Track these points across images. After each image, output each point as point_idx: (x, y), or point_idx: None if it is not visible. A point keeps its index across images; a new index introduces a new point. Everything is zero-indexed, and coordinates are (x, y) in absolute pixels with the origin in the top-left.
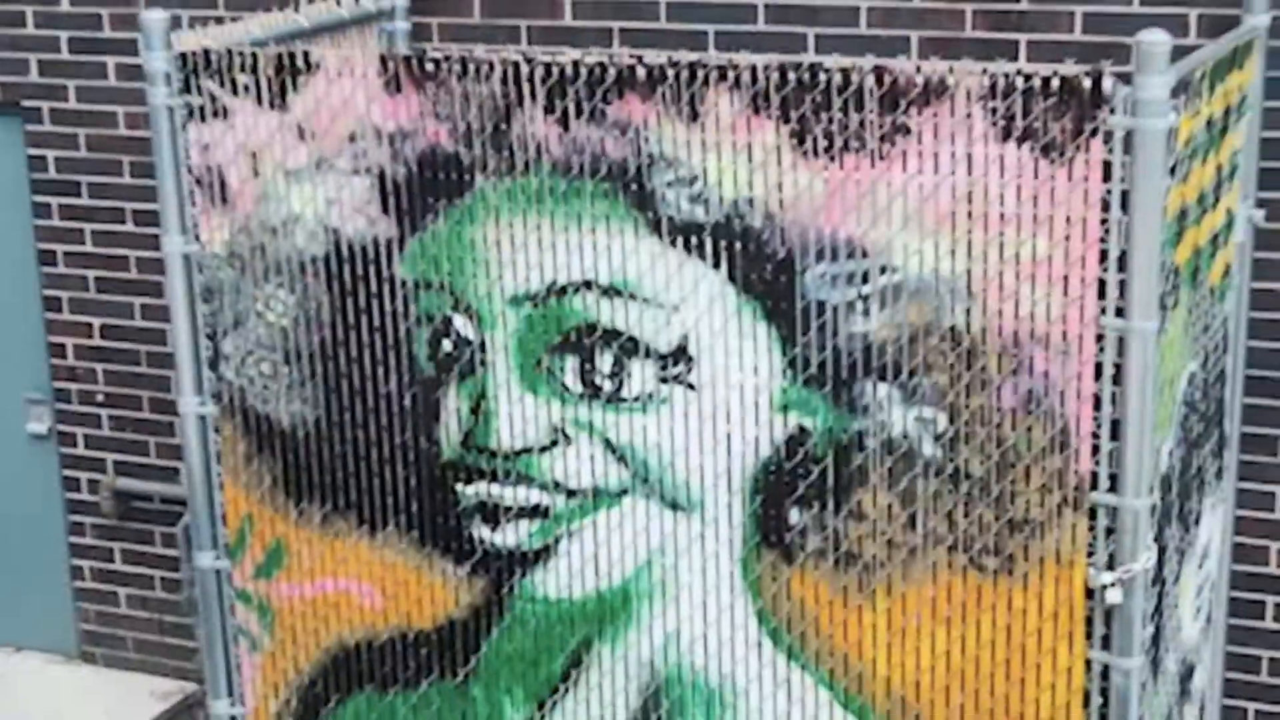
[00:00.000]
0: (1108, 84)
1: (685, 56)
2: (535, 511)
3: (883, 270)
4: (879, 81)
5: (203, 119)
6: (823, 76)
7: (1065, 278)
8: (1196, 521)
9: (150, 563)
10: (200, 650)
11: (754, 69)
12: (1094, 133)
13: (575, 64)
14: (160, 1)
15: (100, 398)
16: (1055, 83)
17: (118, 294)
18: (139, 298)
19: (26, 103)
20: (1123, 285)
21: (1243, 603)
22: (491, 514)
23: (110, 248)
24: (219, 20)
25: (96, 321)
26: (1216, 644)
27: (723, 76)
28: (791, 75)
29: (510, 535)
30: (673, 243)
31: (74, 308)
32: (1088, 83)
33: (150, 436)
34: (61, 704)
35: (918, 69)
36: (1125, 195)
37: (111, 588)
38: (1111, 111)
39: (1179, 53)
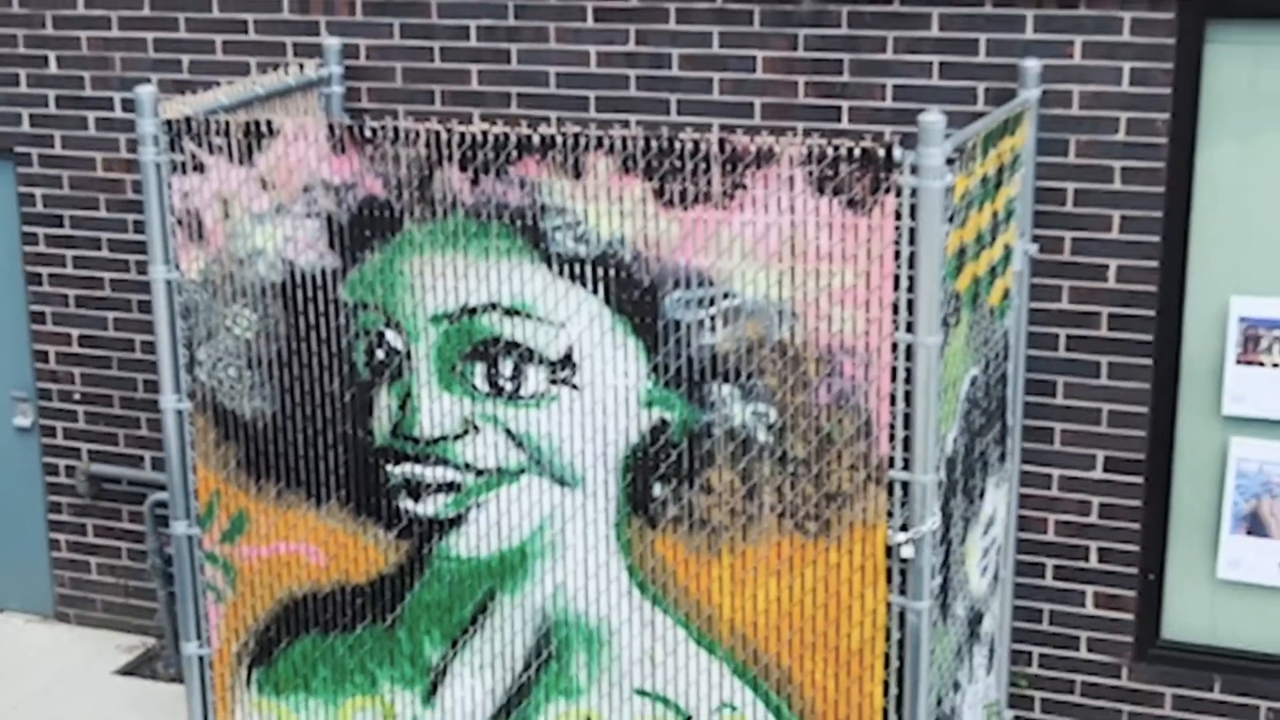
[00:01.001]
0: (896, 153)
1: (571, 128)
2: (450, 487)
3: (725, 295)
4: (721, 149)
5: (184, 172)
6: (678, 144)
7: (867, 302)
8: (981, 495)
9: (117, 536)
10: (159, 610)
11: (624, 139)
12: (887, 190)
13: (484, 133)
14: (134, 65)
15: (77, 396)
16: (857, 152)
17: (93, 309)
18: (111, 312)
19: (19, 149)
20: (911, 307)
21: (1026, 564)
22: (415, 489)
23: (87, 270)
24: (183, 83)
25: (75, 332)
26: (1005, 598)
27: (600, 144)
28: (654, 143)
29: (429, 506)
30: (560, 273)
31: (56, 320)
32: (881, 152)
33: (119, 429)
34: (40, 656)
35: (751, 140)
36: (913, 237)
37: (84, 558)
38: (899, 174)
39: (968, 118)
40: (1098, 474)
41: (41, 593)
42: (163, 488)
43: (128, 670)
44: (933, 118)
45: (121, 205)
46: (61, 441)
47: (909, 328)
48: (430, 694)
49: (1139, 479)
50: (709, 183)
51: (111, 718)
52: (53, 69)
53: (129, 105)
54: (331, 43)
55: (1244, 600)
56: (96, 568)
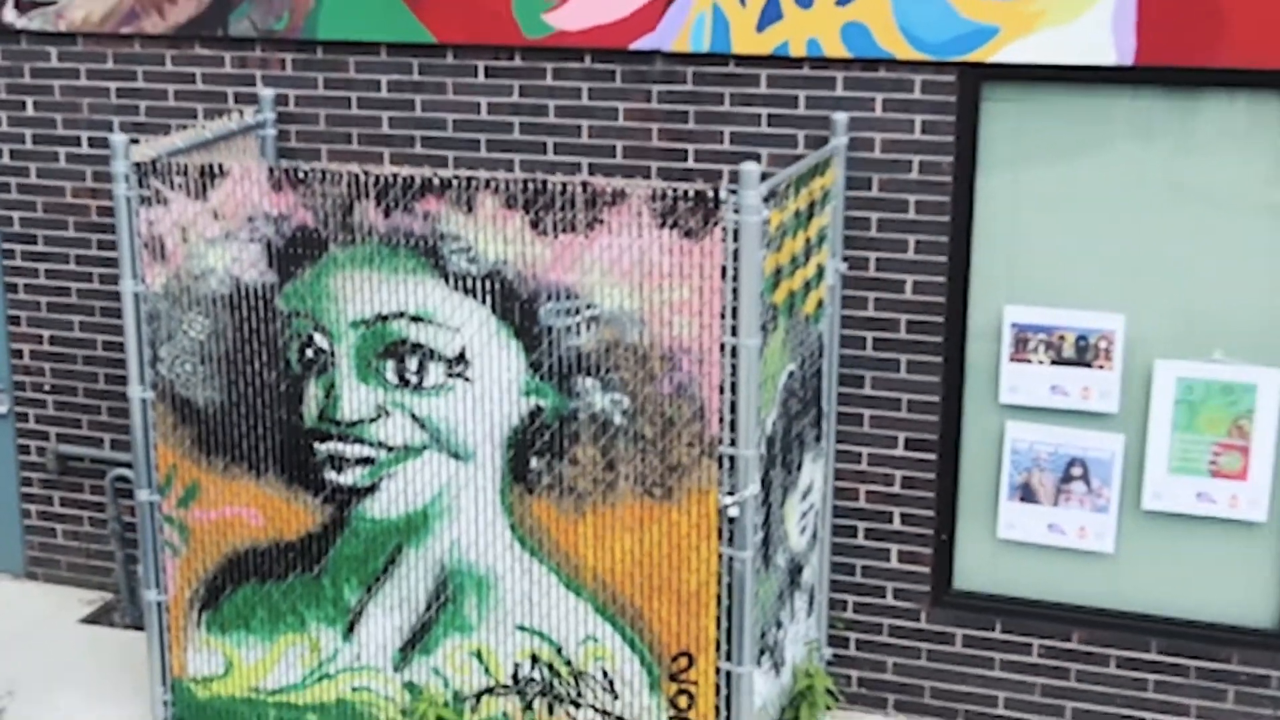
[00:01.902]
0: (722, 195)
1: (464, 172)
2: (366, 461)
3: (588, 306)
4: (583, 190)
5: (150, 204)
6: (549, 187)
7: (700, 312)
8: (799, 468)
9: (80, 506)
10: (116, 569)
11: (507, 182)
12: (715, 224)
13: (394, 175)
14: (99, 109)
15: (47, 387)
16: (691, 194)
17: (61, 314)
18: (77, 316)
19: (0, 179)
20: (736, 316)
21: (841, 526)
22: (337, 463)
23: (57, 281)
24: (141, 125)
25: (45, 333)
26: (824, 554)
27: (487, 185)
28: (530, 185)
29: (349, 477)
30: (455, 287)
31: (29, 323)
32: (710, 194)
33: (83, 415)
34: (14, 608)
35: (608, 182)
36: (737, 260)
37: (51, 525)
38: (725, 211)
39: (790, 159)
40: (899, 451)
41: (14, 555)
42: (120, 464)
43: (90, 619)
44: (750, 167)
45: (86, 227)
46: (33, 425)
47: (734, 332)
48: (349, 631)
49: (933, 456)
50: (574, 217)
51: (77, 657)
52: (29, 111)
53: (94, 143)
54: (266, 93)
55: (1019, 556)
56: (62, 533)
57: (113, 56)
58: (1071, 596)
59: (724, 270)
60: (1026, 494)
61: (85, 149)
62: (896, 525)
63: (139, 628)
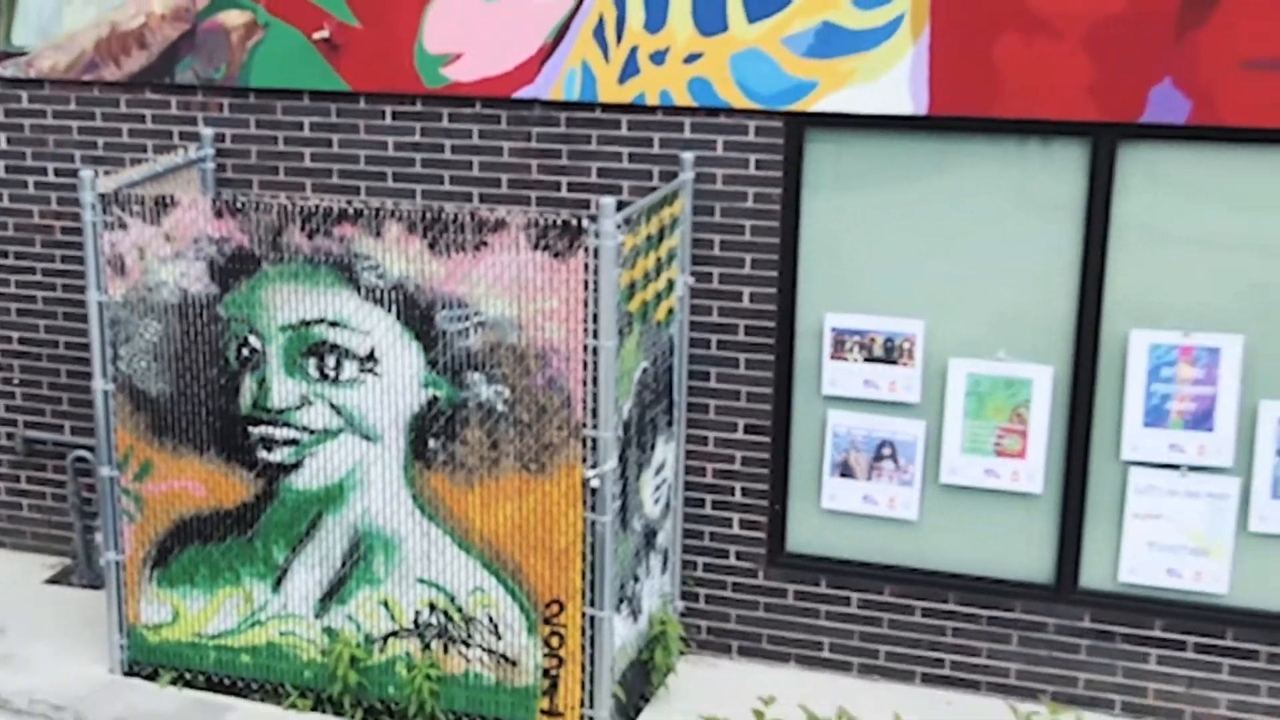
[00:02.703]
0: (585, 225)
1: (373, 201)
2: (292, 442)
3: (476, 314)
4: (471, 218)
5: (113, 229)
6: (443, 216)
7: (567, 319)
8: (652, 448)
9: (43, 484)
10: (74, 537)
11: (409, 211)
12: (579, 247)
13: (317, 206)
14: (63, 144)
15: (16, 381)
16: (559, 222)
17: (29, 318)
18: (42, 320)
19: None
20: (597, 322)
21: (691, 498)
22: (268, 444)
23: (26, 290)
24: (99, 158)
25: (15, 334)
26: (676, 521)
27: (393, 214)
28: (427, 214)
29: (278, 455)
30: (366, 298)
31: (1, 326)
32: (575, 223)
33: (47, 405)
34: None
35: (491, 212)
36: (597, 276)
37: (17, 500)
38: (586, 237)
39: (647, 190)
40: (739, 435)
41: None
42: (79, 447)
43: (52, 580)
44: (607, 200)
45: (51, 244)
46: (3, 414)
47: (595, 335)
48: (277, 585)
49: (767, 439)
50: (464, 240)
51: (43, 611)
52: (2, 145)
53: (59, 172)
54: (206, 132)
55: (839, 523)
56: (27, 507)
57: (75, 99)
58: (883, 557)
59: (586, 284)
60: (845, 471)
61: (51, 178)
62: (738, 497)
63: (95, 587)
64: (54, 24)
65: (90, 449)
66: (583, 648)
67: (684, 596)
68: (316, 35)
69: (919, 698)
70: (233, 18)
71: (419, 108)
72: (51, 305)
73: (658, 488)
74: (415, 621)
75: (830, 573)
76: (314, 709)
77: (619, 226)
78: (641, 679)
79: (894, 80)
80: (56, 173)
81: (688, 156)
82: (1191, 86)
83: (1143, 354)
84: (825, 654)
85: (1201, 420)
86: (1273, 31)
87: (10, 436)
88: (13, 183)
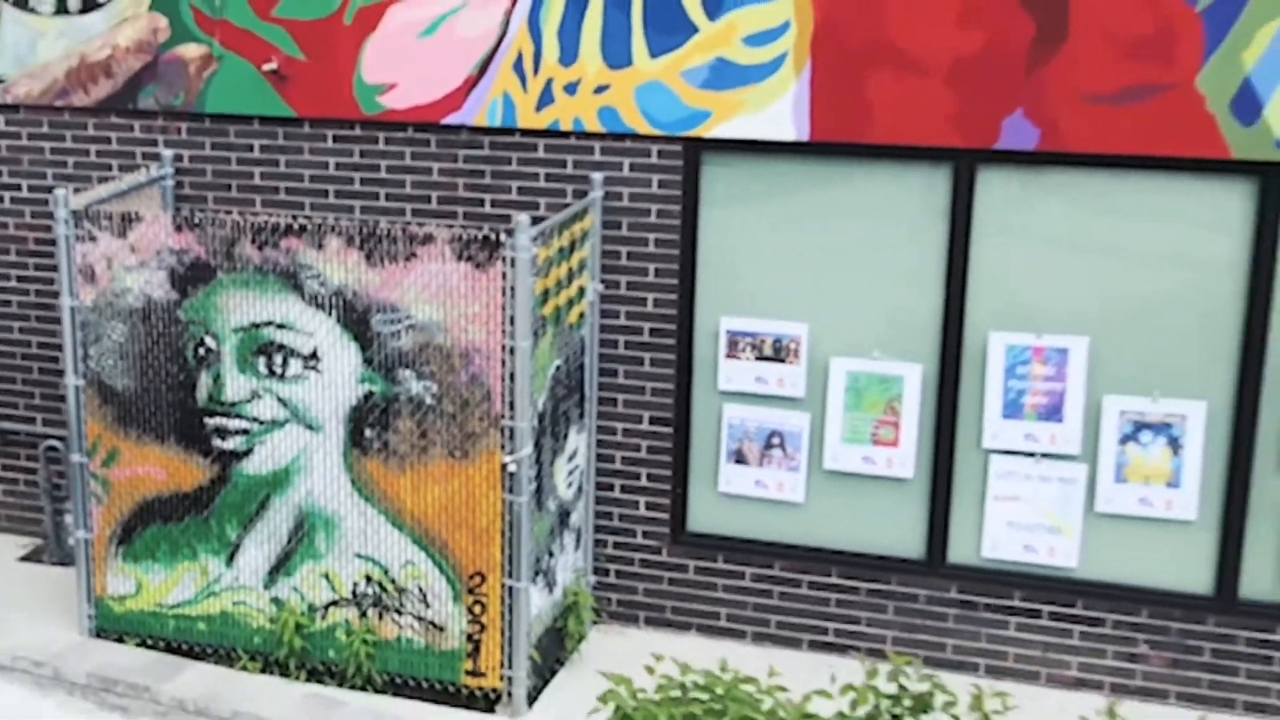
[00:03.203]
0: (503, 239)
1: (316, 216)
2: (243, 432)
3: (407, 318)
4: (403, 233)
5: (84, 241)
6: (378, 231)
7: (487, 322)
8: (565, 437)
9: (17, 471)
10: (45, 520)
11: (348, 226)
12: (497, 259)
13: (266, 223)
14: (36, 163)
15: None
16: (480, 237)
17: (4, 320)
18: (16, 322)
19: None
20: (514, 324)
21: (602, 483)
22: (222, 433)
23: (1, 295)
24: (69, 175)
25: None
26: (588, 503)
27: (333, 229)
28: (364, 230)
29: (231, 443)
30: (310, 304)
31: None
32: (494, 238)
33: (20, 399)
34: None
35: (420, 227)
36: (514, 284)
37: None
38: (504, 250)
39: (561, 206)
40: (645, 426)
41: None
42: (50, 437)
43: (25, 559)
44: (522, 218)
45: (25, 253)
46: None
47: (512, 336)
48: (230, 560)
49: (670, 430)
50: (396, 252)
51: (17, 585)
52: None
53: (33, 189)
54: (166, 153)
55: (734, 505)
56: (2, 492)
57: (48, 123)
58: (773, 535)
59: (504, 291)
60: (739, 458)
61: (25, 193)
62: (644, 482)
63: (64, 564)
64: (29, 55)
65: (60, 439)
66: (502, 615)
67: (595, 571)
68: (266, 67)
69: (805, 661)
70: (190, 50)
71: (357, 132)
72: (25, 309)
73: (571, 473)
74: (353, 592)
75: (727, 550)
76: (263, 671)
77: (533, 240)
78: (556, 644)
79: (779, 110)
80: (30, 189)
81: (597, 176)
82: (1039, 117)
83: (1000, 353)
84: (723, 623)
85: (1052, 412)
86: (1108, 70)
87: None
88: None
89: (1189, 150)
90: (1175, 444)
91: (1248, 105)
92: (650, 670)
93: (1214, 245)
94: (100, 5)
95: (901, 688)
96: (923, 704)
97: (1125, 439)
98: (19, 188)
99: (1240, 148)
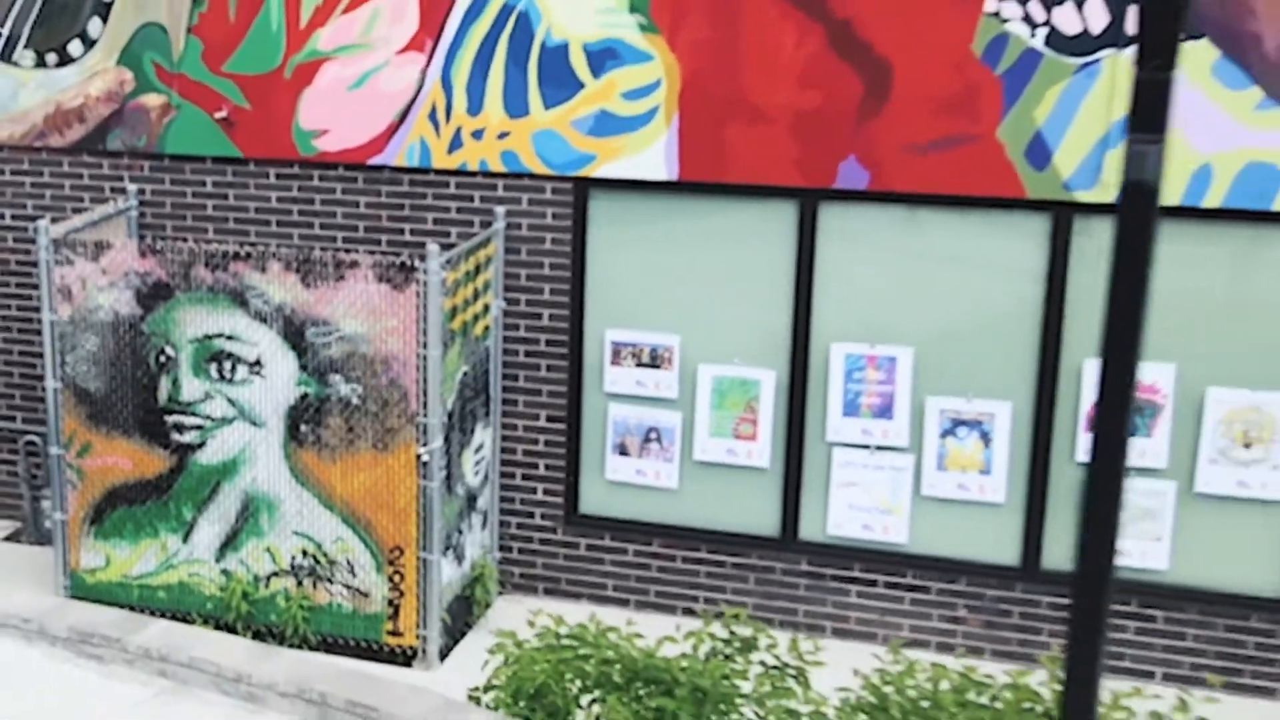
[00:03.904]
0: (418, 264)
1: (260, 243)
2: (198, 427)
3: (336, 330)
4: (332, 259)
5: (62, 265)
6: (313, 256)
7: (404, 334)
8: (472, 432)
9: (0, 462)
10: (24, 505)
11: (287, 253)
12: (411, 281)
13: (219, 250)
14: (18, 195)
15: None
16: (397, 263)
17: None
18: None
19: None
20: (425, 333)
21: (506, 472)
22: (180, 429)
23: None
24: (46, 206)
25: None
26: (494, 489)
27: (274, 257)
28: (300, 255)
29: (187, 437)
30: (255, 319)
31: None
32: (408, 263)
33: (2, 400)
34: None
35: (348, 253)
36: (427, 302)
37: None
38: (419, 274)
39: (471, 235)
40: (542, 423)
41: None
42: (29, 433)
43: (6, 539)
44: (433, 247)
45: (6, 273)
46: None
47: (425, 346)
48: (186, 537)
49: (564, 426)
50: (327, 275)
51: (1, 561)
52: None
53: (15, 217)
54: (131, 187)
55: (619, 491)
56: None
57: (28, 160)
58: (653, 517)
59: (418, 309)
60: (622, 451)
61: (8, 221)
62: (541, 471)
63: (40, 544)
64: (12, 103)
65: (39, 435)
66: (418, 584)
67: (500, 548)
68: (217, 115)
69: (681, 625)
70: (152, 99)
71: (296, 170)
72: (8, 322)
73: (477, 463)
74: (291, 564)
75: (612, 529)
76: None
77: (441, 266)
78: (465, 610)
79: (653, 154)
80: (12, 217)
81: (500, 210)
82: (869, 162)
83: (840, 361)
84: (610, 593)
85: (884, 411)
86: (925, 123)
87: None
88: None
89: (992, 190)
90: (986, 438)
91: (1040, 153)
92: (531, 624)
93: (1015, 270)
94: (74, 60)
95: (732, 633)
96: (749, 645)
97: (945, 434)
98: (3, 216)
99: (1034, 189)
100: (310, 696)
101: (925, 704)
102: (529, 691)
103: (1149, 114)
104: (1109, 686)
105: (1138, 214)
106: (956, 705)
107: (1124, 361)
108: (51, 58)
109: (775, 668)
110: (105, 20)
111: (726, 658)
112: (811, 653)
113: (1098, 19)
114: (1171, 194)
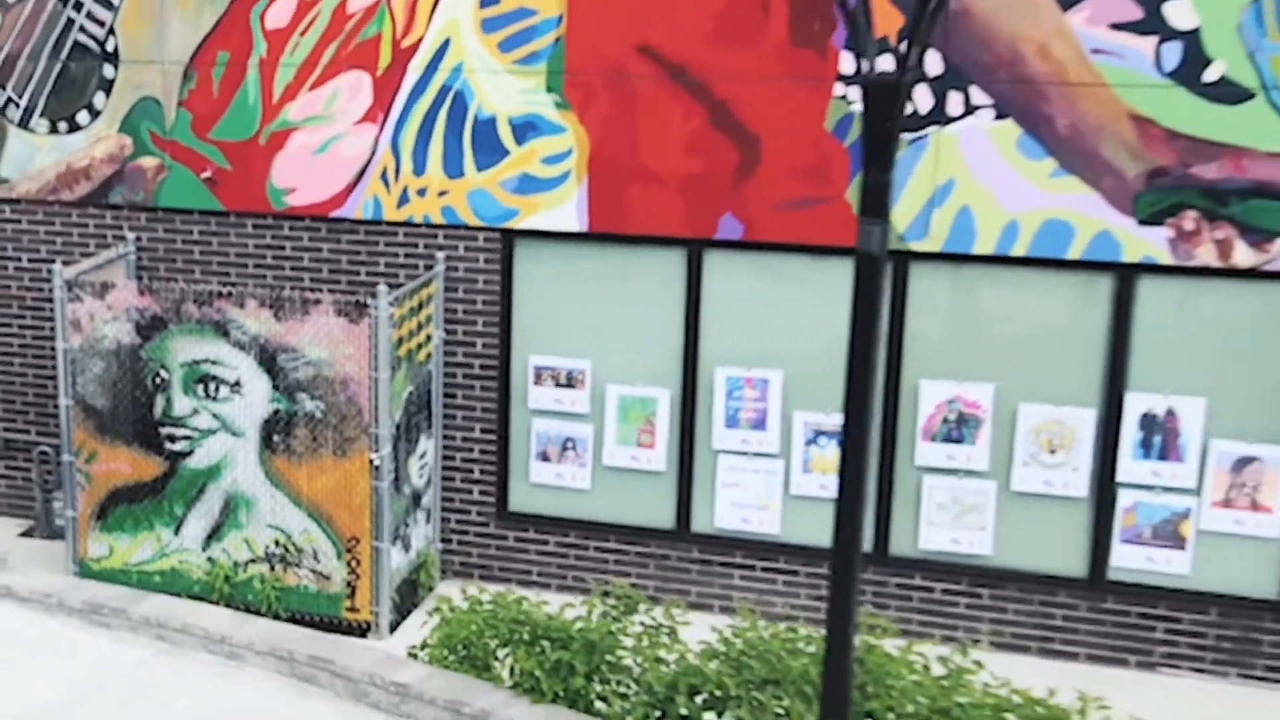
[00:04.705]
0: (370, 302)
1: (239, 284)
2: (187, 438)
3: (303, 357)
4: (300, 298)
5: (73, 302)
6: (283, 296)
7: (359, 359)
8: (417, 441)
9: (16, 469)
10: (37, 505)
11: (261, 294)
12: (365, 316)
13: (206, 290)
14: (33, 240)
15: None
16: (354, 302)
17: (7, 357)
18: (17, 359)
19: None
20: (376, 359)
21: (447, 476)
22: (172, 439)
23: (4, 339)
24: (57, 250)
25: None
26: (436, 490)
27: (251, 295)
28: (272, 295)
29: (179, 446)
30: (235, 347)
31: None
32: (362, 302)
33: (19, 416)
34: None
35: (313, 292)
36: (377, 333)
37: None
38: (371, 310)
39: (417, 275)
40: (477, 435)
41: None
42: (44, 444)
43: (23, 535)
44: (382, 288)
45: (24, 308)
46: None
47: (376, 370)
48: (177, 530)
49: (495, 437)
50: (295, 311)
51: (19, 552)
52: None
53: (31, 260)
54: (130, 236)
55: (541, 492)
56: (5, 487)
57: (42, 212)
58: (570, 514)
59: (370, 339)
60: (544, 458)
61: (25, 264)
62: (477, 475)
63: (52, 539)
64: (29, 162)
65: (51, 446)
66: (372, 568)
67: (442, 540)
68: (203, 175)
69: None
70: (148, 161)
71: (270, 221)
72: (24, 348)
73: (422, 467)
74: (266, 552)
75: (536, 524)
76: None
77: (390, 303)
78: (412, 591)
79: (568, 209)
80: (29, 260)
81: (440, 255)
82: (744, 217)
83: (723, 382)
84: (534, 578)
85: (759, 424)
86: (788, 185)
87: None
88: None
89: (843, 241)
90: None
91: None
92: (464, 593)
93: None
94: (82, 128)
95: (616, 598)
96: (630, 607)
97: (809, 442)
98: (20, 260)
99: None
100: (281, 654)
101: (760, 649)
102: (457, 646)
103: (874, 204)
104: (940, 653)
105: (869, 277)
106: (784, 650)
107: (863, 382)
108: (63, 125)
109: (651, 627)
110: (108, 94)
111: (614, 619)
112: (680, 615)
113: (924, 102)
114: (986, 245)
